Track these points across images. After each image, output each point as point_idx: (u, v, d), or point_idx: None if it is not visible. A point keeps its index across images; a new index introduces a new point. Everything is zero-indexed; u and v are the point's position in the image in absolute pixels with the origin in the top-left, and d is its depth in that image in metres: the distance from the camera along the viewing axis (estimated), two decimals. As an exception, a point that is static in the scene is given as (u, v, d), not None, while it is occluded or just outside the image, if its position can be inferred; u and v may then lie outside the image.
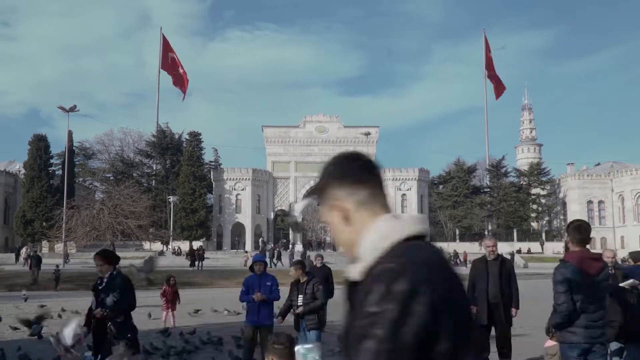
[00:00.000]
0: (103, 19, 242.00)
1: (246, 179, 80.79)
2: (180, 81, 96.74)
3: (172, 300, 16.42)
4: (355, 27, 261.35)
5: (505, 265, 9.35)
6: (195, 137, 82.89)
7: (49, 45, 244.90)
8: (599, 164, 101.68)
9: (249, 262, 10.57)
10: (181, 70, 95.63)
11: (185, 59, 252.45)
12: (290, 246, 69.83)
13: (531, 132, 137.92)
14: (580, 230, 5.76)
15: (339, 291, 11.07)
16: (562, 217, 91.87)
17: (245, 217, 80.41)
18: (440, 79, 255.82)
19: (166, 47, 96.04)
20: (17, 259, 52.94)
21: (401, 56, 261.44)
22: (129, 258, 54.60)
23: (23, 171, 78.10)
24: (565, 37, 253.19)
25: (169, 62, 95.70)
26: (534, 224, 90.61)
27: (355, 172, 1.76)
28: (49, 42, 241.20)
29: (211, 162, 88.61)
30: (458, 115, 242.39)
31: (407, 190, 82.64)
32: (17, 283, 33.02)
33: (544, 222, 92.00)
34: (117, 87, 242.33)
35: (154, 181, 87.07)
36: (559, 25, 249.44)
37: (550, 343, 7.42)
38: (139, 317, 12.29)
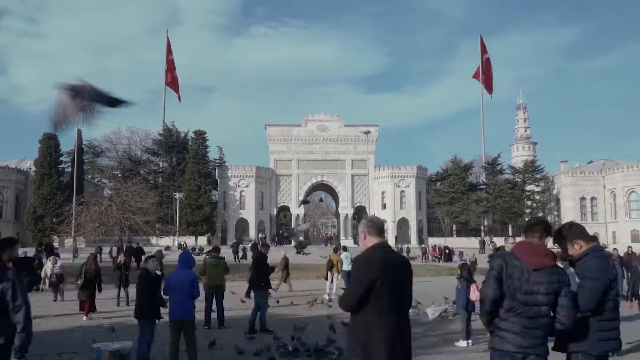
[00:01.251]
0: (131, 15, 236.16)
1: (250, 176, 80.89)
2: (174, 83, 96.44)
3: None
4: (380, 23, 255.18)
5: None
6: (200, 135, 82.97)
7: (75, 42, 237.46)
8: (591, 161, 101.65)
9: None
10: (170, 76, 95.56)
11: (210, 55, 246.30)
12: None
13: (526, 130, 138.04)
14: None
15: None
16: (555, 213, 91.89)
17: (248, 213, 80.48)
18: (464, 76, 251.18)
19: (170, 50, 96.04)
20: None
21: (426, 53, 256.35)
22: (137, 253, 54.74)
23: (34, 169, 78.24)
24: (575, 38, 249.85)
25: (170, 64, 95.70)
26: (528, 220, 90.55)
27: None
28: (74, 39, 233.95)
29: (216, 159, 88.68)
30: (465, 114, 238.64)
31: (406, 187, 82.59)
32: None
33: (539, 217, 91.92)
34: (140, 84, 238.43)
35: (160, 178, 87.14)
36: (572, 26, 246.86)
37: None
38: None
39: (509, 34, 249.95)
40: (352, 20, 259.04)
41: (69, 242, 57.27)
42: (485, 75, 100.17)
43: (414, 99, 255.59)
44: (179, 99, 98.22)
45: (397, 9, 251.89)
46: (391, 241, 76.38)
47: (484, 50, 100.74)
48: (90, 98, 5.16)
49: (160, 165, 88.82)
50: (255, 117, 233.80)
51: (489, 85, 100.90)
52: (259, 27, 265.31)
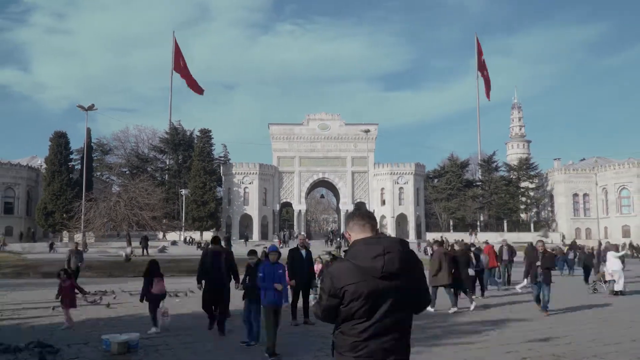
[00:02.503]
0: (160, 11, 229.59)
1: (253, 173, 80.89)
2: (192, 82, 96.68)
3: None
4: (405, 19, 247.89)
5: None
6: (205, 134, 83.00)
7: (100, 40, 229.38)
8: (584, 159, 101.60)
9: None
10: (186, 76, 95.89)
11: (235, 52, 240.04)
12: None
13: (520, 129, 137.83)
14: None
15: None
16: (549, 208, 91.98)
17: (252, 209, 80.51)
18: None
19: (178, 51, 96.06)
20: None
21: (450, 50, 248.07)
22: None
23: (44, 166, 78.28)
24: (595, 36, 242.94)
25: (181, 65, 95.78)
26: (523, 215, 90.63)
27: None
28: (100, 35, 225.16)
29: (220, 157, 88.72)
30: (475, 112, 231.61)
31: (405, 183, 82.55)
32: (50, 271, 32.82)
33: (532, 213, 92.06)
34: (160, 81, 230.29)
35: (167, 175, 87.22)
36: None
37: None
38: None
39: (532, 31, 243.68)
40: (378, 16, 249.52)
41: (78, 237, 57.36)
42: (483, 76, 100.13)
43: (431, 97, 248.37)
44: (202, 92, 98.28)
45: (421, 3, 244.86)
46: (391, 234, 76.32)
47: (480, 51, 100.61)
48: None
49: (167, 163, 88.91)
50: (275, 113, 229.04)
51: (487, 86, 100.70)
52: (286, 24, 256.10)
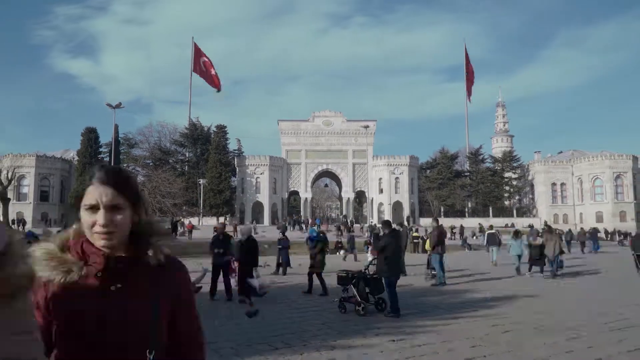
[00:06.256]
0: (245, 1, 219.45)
1: (264, 164, 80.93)
2: (212, 81, 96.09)
3: None
4: (489, 7, 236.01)
5: None
6: (221, 129, 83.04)
7: (173, 31, 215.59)
8: (561, 151, 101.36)
9: None
10: (213, 72, 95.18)
11: (305, 45, 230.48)
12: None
13: (504, 125, 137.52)
14: None
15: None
16: (530, 196, 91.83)
17: (263, 197, 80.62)
18: (545, 64, 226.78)
19: (198, 53, 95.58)
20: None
21: (524, 39, 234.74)
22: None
23: (76, 158, 78.56)
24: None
25: (201, 66, 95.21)
26: (507, 202, 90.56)
27: None
28: (174, 26, 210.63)
29: (235, 150, 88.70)
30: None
31: (400, 174, 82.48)
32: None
33: (515, 200, 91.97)
34: (228, 72, 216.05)
35: (186, 166, 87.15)
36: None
37: None
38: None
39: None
40: (466, 4, 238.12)
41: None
42: (468, 79, 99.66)
43: (481, 88, 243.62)
44: (219, 89, 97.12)
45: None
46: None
47: (467, 58, 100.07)
48: None
49: (187, 155, 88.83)
50: (327, 105, 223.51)
51: (469, 89, 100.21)
52: (363, 17, 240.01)
